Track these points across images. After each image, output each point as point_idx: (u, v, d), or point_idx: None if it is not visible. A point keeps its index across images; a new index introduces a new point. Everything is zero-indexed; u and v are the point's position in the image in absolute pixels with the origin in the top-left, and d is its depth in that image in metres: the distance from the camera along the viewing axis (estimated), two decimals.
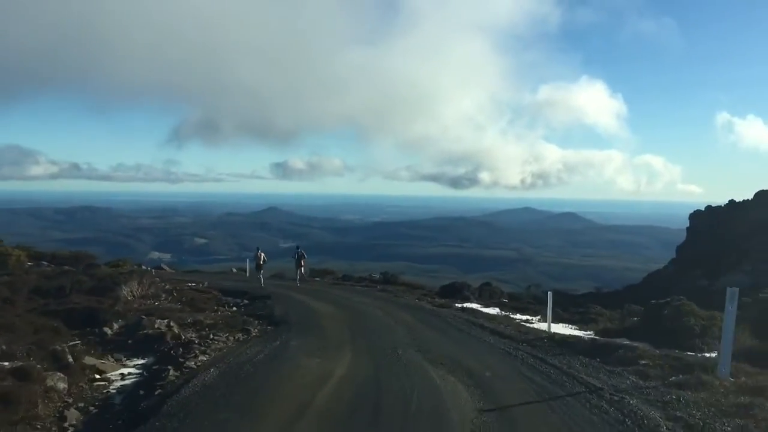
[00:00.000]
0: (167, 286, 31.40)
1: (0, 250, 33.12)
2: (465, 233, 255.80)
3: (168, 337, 14.75)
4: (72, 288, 24.59)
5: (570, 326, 22.79)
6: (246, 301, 28.83)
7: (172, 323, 16.21)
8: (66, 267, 34.41)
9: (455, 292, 34.35)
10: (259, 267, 35.81)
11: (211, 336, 15.45)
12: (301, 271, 35.79)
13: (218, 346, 14.31)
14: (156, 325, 15.68)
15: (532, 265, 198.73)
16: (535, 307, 31.27)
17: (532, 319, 25.69)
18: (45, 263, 37.17)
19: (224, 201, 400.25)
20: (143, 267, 48.74)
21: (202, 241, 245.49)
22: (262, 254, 36.32)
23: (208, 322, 18.23)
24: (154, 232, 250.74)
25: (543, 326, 20.37)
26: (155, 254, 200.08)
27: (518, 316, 26.79)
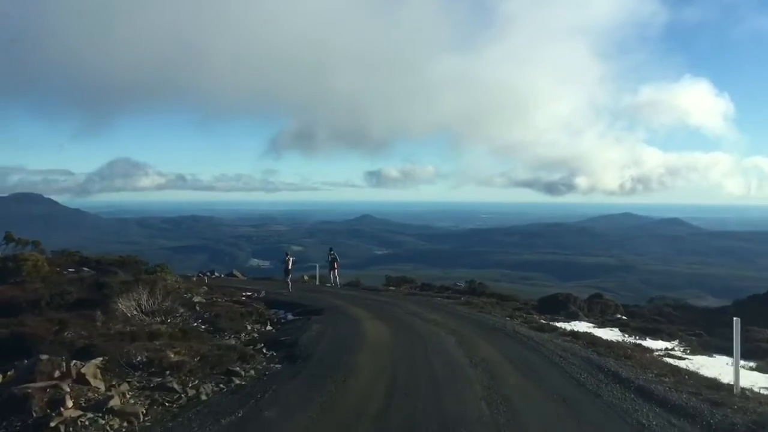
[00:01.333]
0: (203, 298, 25.30)
1: (18, 256, 27.96)
2: (562, 240, 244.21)
3: (42, 402, 8.04)
4: (53, 300, 18.52)
5: (753, 369, 14.81)
6: (291, 317, 22.90)
7: (86, 368, 9.49)
8: (90, 273, 28.98)
9: (558, 306, 26.62)
10: (287, 272, 33.05)
11: (145, 396, 8.65)
12: (334, 274, 33.83)
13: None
14: (55, 372, 9.02)
15: (633, 273, 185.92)
16: (667, 327, 23.29)
17: (672, 348, 17.97)
18: (86, 269, 32.03)
19: (319, 209, 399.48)
20: (197, 275, 43.15)
21: (299, 248, 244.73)
22: (291, 258, 33.51)
23: (175, 359, 11.50)
24: (254, 239, 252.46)
25: (703, 364, 12.59)
26: (254, 261, 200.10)
27: (651, 343, 19.01)
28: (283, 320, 22.69)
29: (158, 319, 18.92)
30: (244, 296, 30.65)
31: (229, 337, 17.38)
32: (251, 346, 14.81)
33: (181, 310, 20.58)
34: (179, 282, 29.61)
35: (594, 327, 22.71)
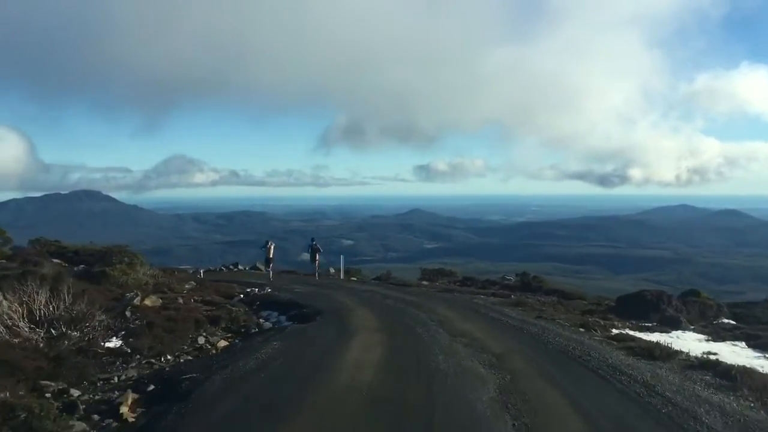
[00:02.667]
0: (158, 299, 18.50)
1: None
2: (615, 233, 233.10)
3: None
4: None
5: None
6: (285, 321, 17.54)
7: None
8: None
9: (646, 307, 18.88)
10: (268, 261, 30.09)
11: None
12: (316, 265, 31.02)
13: None
14: None
15: (690, 266, 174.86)
16: None
17: None
18: (57, 261, 25.75)
19: (369, 204, 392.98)
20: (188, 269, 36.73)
21: (349, 242, 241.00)
22: (272, 246, 30.15)
23: None
24: (305, 234, 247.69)
25: None
26: (305, 255, 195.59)
27: None
28: (267, 327, 16.09)
29: (43, 334, 12.17)
30: (239, 293, 24.47)
31: (125, 368, 10.44)
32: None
33: (100, 318, 13.67)
34: (155, 276, 23.00)
35: (707, 340, 15.06)
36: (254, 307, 22.05)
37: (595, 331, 14.11)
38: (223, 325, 16.21)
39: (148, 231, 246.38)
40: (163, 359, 11.63)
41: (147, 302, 16.79)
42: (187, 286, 24.08)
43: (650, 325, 17.13)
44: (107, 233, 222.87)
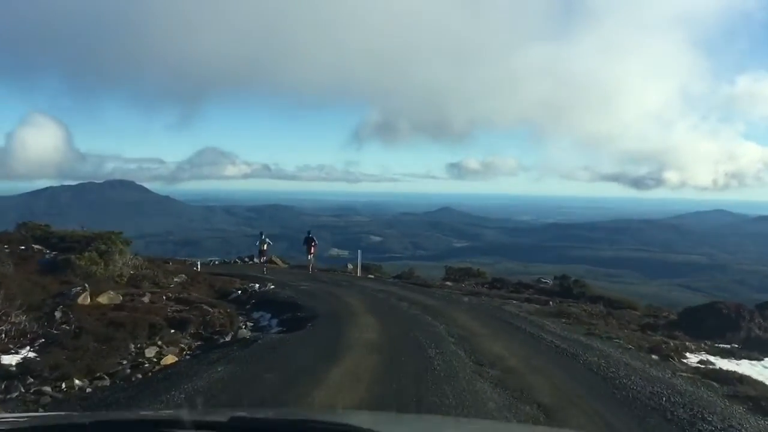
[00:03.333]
0: (117, 295, 15.19)
1: None
2: (648, 236, 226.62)
3: None
4: None
5: None
6: (275, 325, 14.99)
7: None
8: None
9: (720, 323, 14.98)
10: (261, 253, 29.77)
11: None
12: (309, 257, 29.60)
13: None
14: None
15: (726, 273, 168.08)
16: None
17: None
18: (37, 247, 22.70)
19: (399, 200, 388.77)
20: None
21: (378, 239, 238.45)
22: (267, 240, 29.81)
23: None
24: (334, 230, 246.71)
25: None
26: (335, 251, 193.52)
27: None
28: (243, 335, 12.83)
29: None
30: (238, 290, 21.44)
31: None
32: None
33: (17, 320, 10.35)
34: (137, 267, 19.83)
35: None
36: (248, 306, 18.77)
37: (673, 359, 10.37)
38: (193, 331, 12.85)
39: (179, 222, 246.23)
40: (66, 385, 8.20)
41: (101, 299, 13.44)
42: (176, 280, 20.90)
43: (731, 347, 13.36)
44: (139, 223, 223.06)
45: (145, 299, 14.46)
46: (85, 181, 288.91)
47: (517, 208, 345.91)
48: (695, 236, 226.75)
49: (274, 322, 15.54)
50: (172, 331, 12.40)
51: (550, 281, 25.75)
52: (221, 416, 2.55)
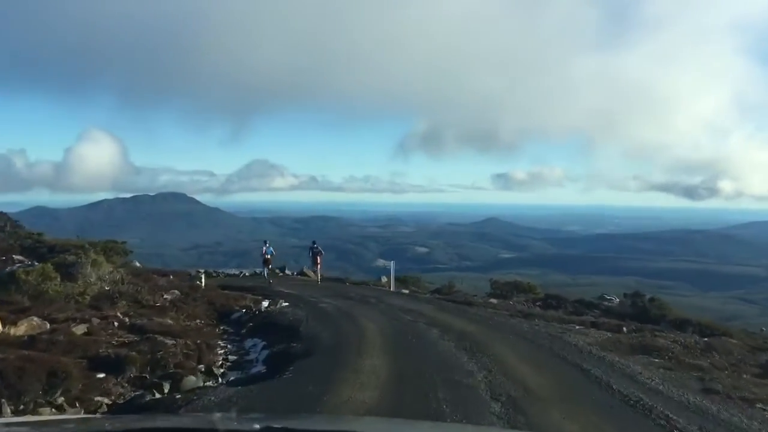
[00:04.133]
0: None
1: None
2: (703, 247, 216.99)
3: None
4: None
5: None
6: (256, 362, 12.15)
7: None
8: None
9: None
10: (267, 262, 27.22)
11: None
12: (316, 269, 28.79)
13: None
14: None
15: None
16: None
17: None
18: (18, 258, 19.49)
19: (445, 211, 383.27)
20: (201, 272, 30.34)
21: (424, 250, 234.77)
22: (270, 248, 27.32)
23: None
24: (380, 240, 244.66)
25: None
26: (380, 261, 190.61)
27: None
28: (192, 385, 9.19)
29: None
30: (243, 308, 17.84)
31: None
32: None
33: None
34: (116, 282, 16.32)
35: None
36: (243, 331, 15.01)
37: None
38: (134, 374, 9.02)
39: (228, 233, 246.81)
40: None
41: (16, 329, 9.79)
42: (166, 297, 17.26)
43: None
44: (189, 234, 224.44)
45: (81, 328, 10.77)
46: (139, 194, 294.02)
47: (565, 218, 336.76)
48: (752, 247, 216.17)
49: (264, 355, 11.91)
50: (100, 376, 8.66)
51: (615, 299, 21.31)
52: (254, 424, 2.62)
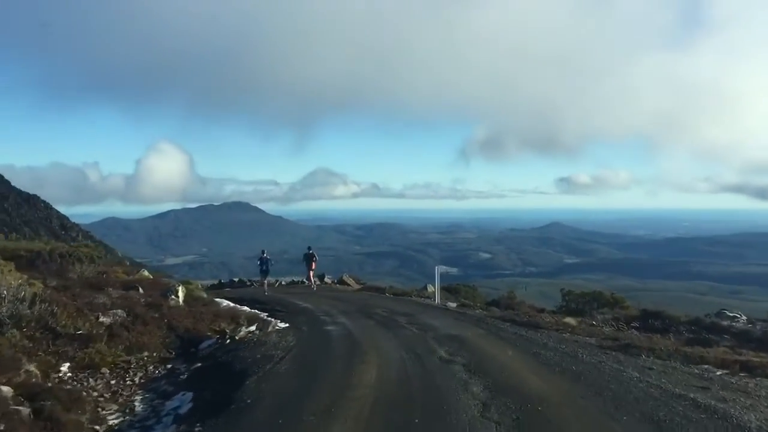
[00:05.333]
0: None
1: None
2: None
3: None
4: None
5: None
6: None
7: None
8: None
9: None
10: (265, 272, 24.65)
11: None
12: (311, 274, 26.56)
13: None
14: None
15: None
16: None
17: None
18: None
19: (507, 216, 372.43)
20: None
21: (486, 255, 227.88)
22: (267, 257, 24.67)
23: None
24: (441, 247, 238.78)
25: None
26: (442, 268, 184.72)
27: None
28: None
29: None
30: (217, 335, 12.28)
31: None
32: None
33: None
34: (35, 296, 11.05)
35: None
36: (183, 377, 9.30)
37: None
38: None
39: (292, 241, 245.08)
40: None
41: None
42: (104, 319, 11.83)
43: None
44: (254, 242, 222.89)
45: None
46: (205, 204, 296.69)
47: (631, 222, 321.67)
48: None
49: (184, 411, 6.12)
50: None
51: (741, 316, 14.79)
52: None
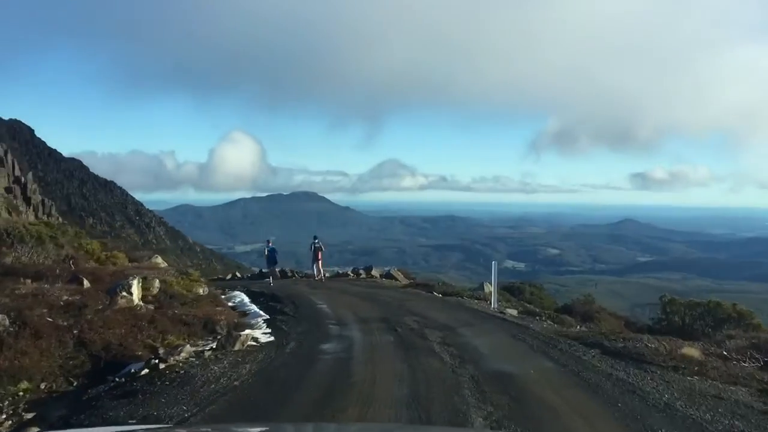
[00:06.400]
0: None
1: None
2: None
3: None
4: None
5: None
6: None
7: None
8: None
9: None
10: (273, 261, 23.81)
11: None
12: (318, 266, 24.80)
13: None
14: None
15: None
16: None
17: None
18: None
19: (578, 212, 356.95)
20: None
21: (555, 251, 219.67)
22: (272, 246, 23.68)
23: None
24: (509, 241, 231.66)
25: None
26: (509, 263, 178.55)
27: None
28: None
29: None
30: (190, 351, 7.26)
31: None
32: None
33: None
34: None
35: None
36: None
37: None
38: None
39: (358, 232, 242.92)
40: None
41: None
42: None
43: None
44: (320, 232, 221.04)
45: None
46: (274, 193, 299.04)
47: (710, 220, 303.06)
48: None
49: None
50: None
51: None
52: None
